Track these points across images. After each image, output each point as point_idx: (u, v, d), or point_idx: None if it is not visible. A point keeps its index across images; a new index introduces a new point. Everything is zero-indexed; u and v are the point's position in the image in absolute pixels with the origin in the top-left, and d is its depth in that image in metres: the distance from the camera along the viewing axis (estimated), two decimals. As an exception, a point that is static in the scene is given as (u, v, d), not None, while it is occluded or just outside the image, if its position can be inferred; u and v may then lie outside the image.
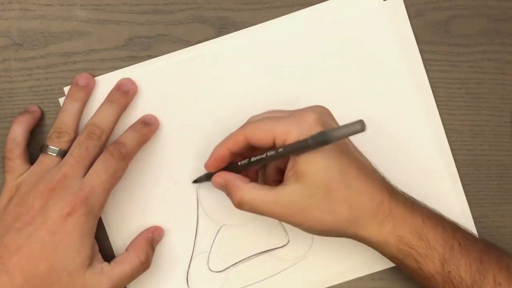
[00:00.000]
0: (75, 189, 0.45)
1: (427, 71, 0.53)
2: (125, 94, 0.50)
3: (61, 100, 0.50)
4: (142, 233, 0.50)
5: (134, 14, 0.51)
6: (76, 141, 0.47)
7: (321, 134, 0.39)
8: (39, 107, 0.50)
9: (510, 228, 0.53)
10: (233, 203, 0.45)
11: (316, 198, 0.43)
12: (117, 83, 0.50)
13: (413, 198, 0.47)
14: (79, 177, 0.45)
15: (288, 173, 0.43)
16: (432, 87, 0.53)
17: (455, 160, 0.53)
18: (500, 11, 0.54)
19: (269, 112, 0.47)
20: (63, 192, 0.45)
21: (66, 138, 0.47)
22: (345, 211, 0.43)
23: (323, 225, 0.44)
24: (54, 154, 0.47)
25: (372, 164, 0.46)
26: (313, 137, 0.39)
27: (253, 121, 0.45)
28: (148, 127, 0.50)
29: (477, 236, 0.48)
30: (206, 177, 0.48)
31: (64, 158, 0.46)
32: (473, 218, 0.53)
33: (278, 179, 0.47)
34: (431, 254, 0.44)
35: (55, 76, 0.51)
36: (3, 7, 0.51)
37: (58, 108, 0.51)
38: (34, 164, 0.47)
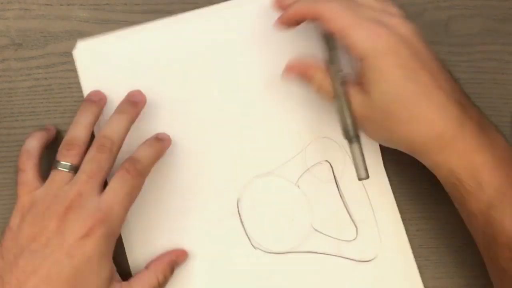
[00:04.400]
0: (92, 208, 0.44)
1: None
2: (134, 104, 0.49)
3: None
4: (166, 254, 0.49)
5: (134, 14, 0.51)
6: (87, 156, 0.45)
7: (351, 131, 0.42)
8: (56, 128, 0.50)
9: (510, 228, 0.53)
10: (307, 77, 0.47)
11: (376, 114, 0.44)
12: (127, 95, 0.49)
13: (493, 126, 0.45)
14: (95, 194, 0.44)
15: (354, 84, 0.44)
16: (432, 87, 0.53)
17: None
18: (500, 11, 0.54)
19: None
20: (80, 212, 0.43)
21: (76, 150, 0.46)
22: (403, 134, 0.43)
23: (380, 137, 0.46)
24: (66, 170, 0.45)
25: (454, 82, 0.45)
26: (346, 131, 0.43)
27: (335, 3, 0.44)
28: (161, 142, 0.49)
29: None
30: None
31: (76, 175, 0.45)
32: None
33: None
34: (479, 194, 0.42)
35: (55, 76, 0.51)
36: (2, 7, 0.51)
37: (58, 108, 0.51)
38: (47, 181, 0.45)
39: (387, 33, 0.42)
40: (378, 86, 0.43)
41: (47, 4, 0.51)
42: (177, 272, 0.49)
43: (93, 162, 0.45)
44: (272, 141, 0.51)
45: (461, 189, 0.42)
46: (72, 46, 0.51)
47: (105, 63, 0.50)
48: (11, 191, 0.50)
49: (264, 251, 0.50)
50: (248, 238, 0.50)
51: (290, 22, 0.47)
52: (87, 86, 0.50)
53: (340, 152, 0.51)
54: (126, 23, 0.51)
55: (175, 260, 0.49)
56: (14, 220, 0.45)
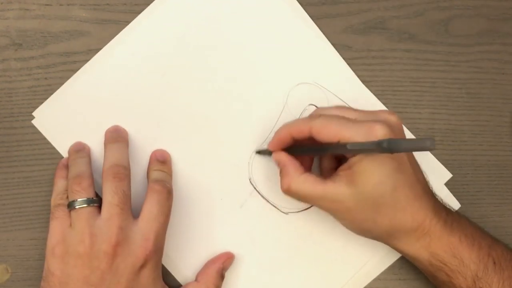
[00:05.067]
0: (139, 240, 0.44)
1: (427, 71, 0.53)
2: (121, 133, 0.49)
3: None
4: (212, 262, 0.49)
5: (134, 14, 0.51)
6: (107, 188, 0.45)
7: (389, 142, 0.38)
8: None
9: (510, 228, 0.53)
10: (281, 188, 0.46)
11: (362, 206, 0.43)
12: (107, 131, 0.49)
13: (455, 212, 0.47)
14: (133, 223, 0.44)
15: (341, 172, 0.44)
16: (432, 87, 0.53)
17: (454, 160, 0.53)
18: (500, 11, 0.54)
19: (338, 108, 0.46)
20: (127, 246, 0.43)
21: (87, 182, 0.45)
22: (386, 224, 0.44)
23: (362, 228, 0.46)
24: (86, 205, 0.44)
25: (425, 177, 0.46)
26: (379, 144, 0.39)
27: (321, 118, 0.44)
28: (165, 164, 0.50)
29: None
30: (269, 153, 0.49)
31: (106, 209, 0.44)
32: (473, 218, 0.53)
33: (334, 166, 0.48)
34: (464, 271, 0.45)
35: (55, 76, 0.50)
36: (2, 7, 0.51)
37: (58, 108, 0.51)
38: (72, 224, 0.44)
39: (379, 125, 0.42)
40: (371, 177, 0.43)
41: (47, 4, 0.51)
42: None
43: (118, 192, 0.44)
44: (256, 112, 0.51)
45: (446, 269, 0.45)
46: (72, 46, 0.51)
47: (67, 117, 0.50)
48: (11, 191, 0.50)
49: (296, 212, 0.51)
50: (276, 207, 0.51)
51: (282, 143, 0.46)
52: (61, 145, 0.50)
53: (317, 90, 0.52)
54: (126, 23, 0.51)
55: (222, 267, 0.49)
56: (53, 264, 0.44)
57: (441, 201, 0.47)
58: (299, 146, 0.47)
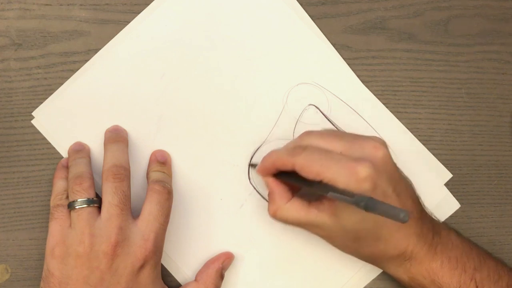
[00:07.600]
0: (138, 240, 0.44)
1: (427, 71, 0.53)
2: (120, 133, 0.49)
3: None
4: (212, 262, 0.49)
5: (134, 14, 0.51)
6: (107, 188, 0.45)
7: (366, 202, 0.38)
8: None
9: (510, 228, 0.53)
10: (268, 213, 0.47)
11: (343, 236, 0.45)
12: (107, 131, 0.49)
13: (446, 230, 0.47)
14: (132, 223, 0.44)
15: (325, 201, 0.44)
16: (432, 87, 0.53)
17: (454, 160, 0.53)
18: (500, 11, 0.54)
19: (323, 137, 0.45)
20: (127, 246, 0.44)
21: (88, 183, 0.46)
22: (368, 253, 0.46)
23: (346, 251, 0.47)
24: (86, 206, 0.44)
25: (416, 196, 0.46)
26: (356, 202, 0.38)
27: (304, 154, 0.43)
28: (165, 164, 0.50)
29: (506, 268, 0.47)
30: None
31: (106, 209, 0.44)
32: (473, 218, 0.53)
33: None
34: None
35: (55, 76, 0.51)
36: (2, 7, 0.51)
37: (58, 108, 0.51)
38: (72, 225, 0.44)
39: (362, 166, 0.41)
40: (353, 214, 0.43)
41: (47, 4, 0.51)
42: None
43: (118, 193, 0.45)
44: (255, 112, 0.51)
45: None
46: (72, 46, 0.51)
47: (66, 116, 0.50)
48: (11, 191, 0.50)
49: None
50: None
51: (268, 171, 0.47)
52: (60, 145, 0.50)
53: (317, 90, 0.52)
54: (126, 23, 0.51)
55: (222, 267, 0.49)
56: (52, 265, 0.44)
57: (431, 216, 0.47)
58: (287, 173, 0.46)
